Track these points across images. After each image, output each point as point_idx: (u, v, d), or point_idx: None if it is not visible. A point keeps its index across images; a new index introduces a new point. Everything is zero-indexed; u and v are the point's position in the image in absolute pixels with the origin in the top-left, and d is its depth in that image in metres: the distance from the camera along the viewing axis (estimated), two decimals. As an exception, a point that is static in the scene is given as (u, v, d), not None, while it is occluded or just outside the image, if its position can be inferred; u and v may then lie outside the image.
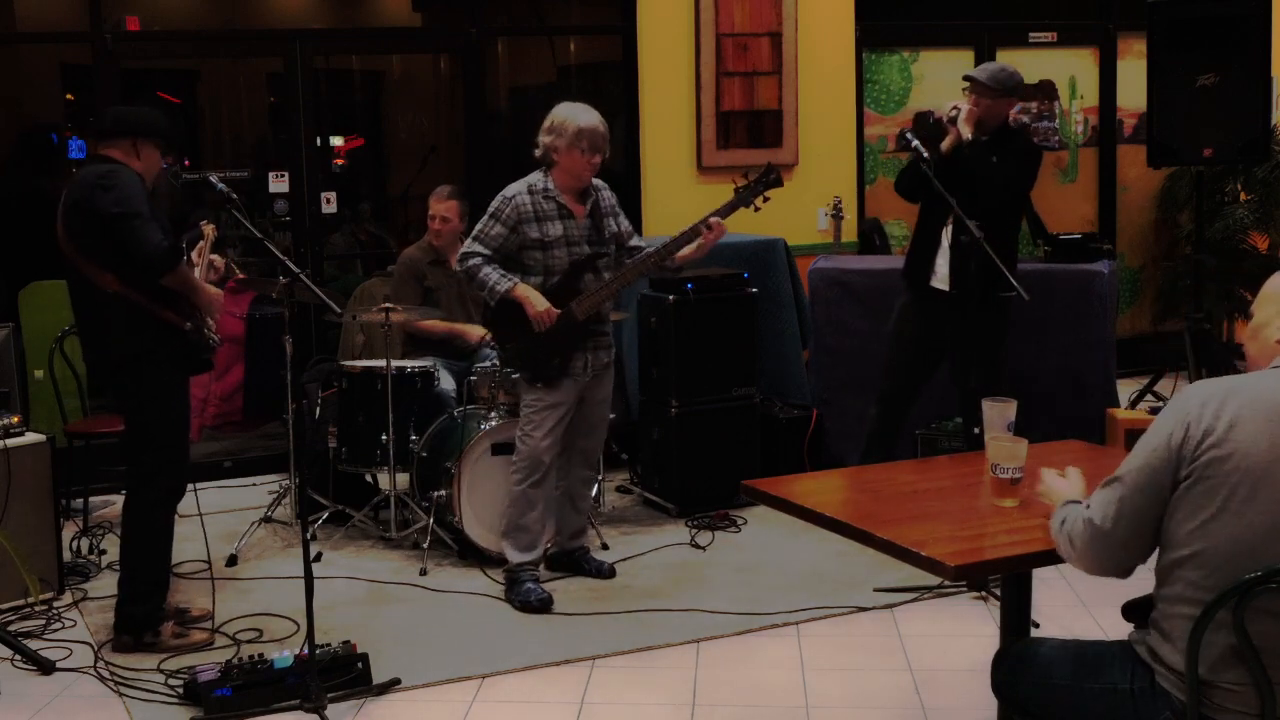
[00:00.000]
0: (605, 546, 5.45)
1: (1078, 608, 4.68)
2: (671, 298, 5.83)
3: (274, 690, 3.95)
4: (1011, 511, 3.01)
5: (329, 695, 3.96)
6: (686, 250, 4.80)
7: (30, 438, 4.90)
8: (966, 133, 4.98)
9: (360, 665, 4.09)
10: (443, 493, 5.26)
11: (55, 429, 5.42)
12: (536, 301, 4.68)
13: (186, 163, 7.79)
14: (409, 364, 5.63)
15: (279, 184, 6.95)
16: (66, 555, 5.15)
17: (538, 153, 4.81)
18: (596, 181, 4.89)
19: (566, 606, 4.78)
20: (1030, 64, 8.19)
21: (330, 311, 4.67)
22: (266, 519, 5.79)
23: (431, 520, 5.29)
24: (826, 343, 6.42)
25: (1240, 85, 6.74)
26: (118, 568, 4.49)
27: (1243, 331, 3.03)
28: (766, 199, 4.86)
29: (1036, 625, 4.00)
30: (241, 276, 5.15)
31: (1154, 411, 6.54)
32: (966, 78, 5.11)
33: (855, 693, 4.08)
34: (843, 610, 4.72)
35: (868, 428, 5.43)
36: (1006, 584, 3.28)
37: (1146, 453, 2.50)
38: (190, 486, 4.56)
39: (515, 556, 4.87)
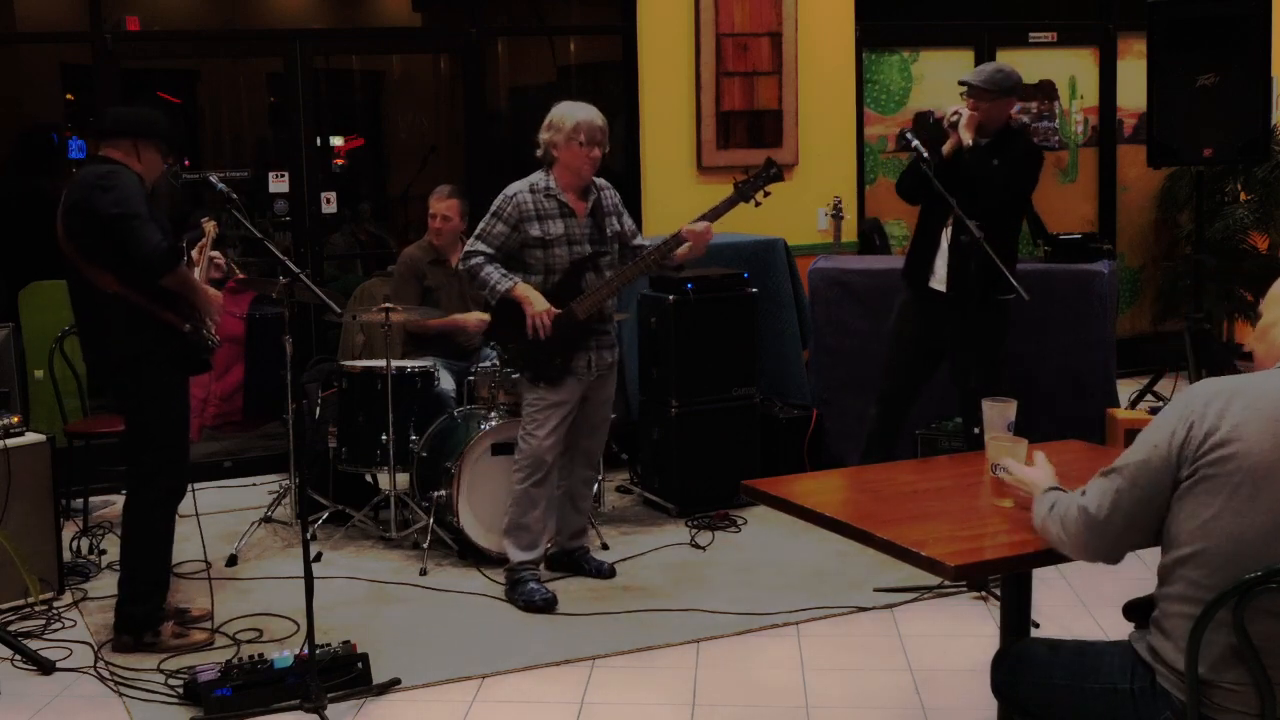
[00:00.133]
0: (605, 546, 5.45)
1: (1078, 608, 4.68)
2: (671, 298, 5.83)
3: (274, 690, 3.95)
4: (1011, 511, 3.01)
5: (329, 695, 3.96)
6: (684, 249, 4.80)
7: (30, 438, 4.90)
8: (967, 139, 4.97)
9: (360, 665, 4.09)
10: (443, 493, 5.26)
11: (55, 429, 5.42)
12: (536, 301, 4.68)
13: (186, 163, 7.78)
14: (409, 364, 5.63)
15: (279, 184, 6.95)
16: (66, 555, 5.15)
17: (539, 152, 4.83)
18: (599, 181, 4.90)
19: (567, 606, 4.78)
20: (1030, 64, 8.19)
21: (330, 311, 4.68)
22: (266, 519, 5.79)
23: (431, 520, 5.29)
24: (826, 343, 6.42)
25: (1240, 85, 6.74)
26: (118, 568, 4.49)
27: (1247, 334, 3.04)
28: (767, 193, 4.85)
29: (1036, 625, 4.00)
30: (241, 276, 5.14)
31: (1154, 411, 6.54)
32: (962, 83, 5.10)
33: (855, 693, 4.08)
34: (843, 610, 4.72)
35: (868, 428, 5.43)
36: (1006, 584, 3.27)
37: (1148, 449, 2.50)
38: (190, 486, 4.56)
39: (516, 555, 4.87)
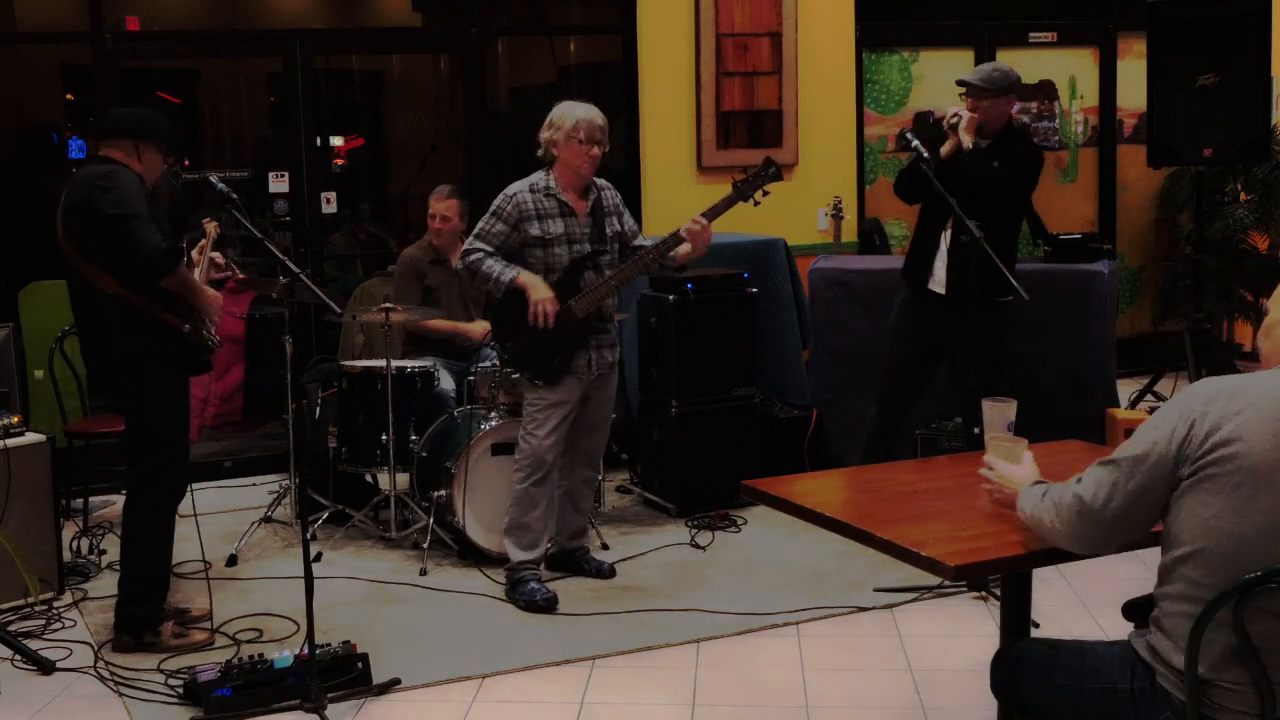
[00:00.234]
0: (605, 546, 5.45)
1: (1078, 608, 4.68)
2: (671, 298, 5.83)
3: (274, 690, 3.95)
4: (1011, 512, 3.01)
5: (329, 695, 3.96)
6: (684, 248, 4.80)
7: (30, 438, 4.90)
8: (967, 142, 4.96)
9: (360, 665, 4.09)
10: (443, 493, 5.26)
11: (55, 429, 5.42)
12: (539, 289, 4.68)
13: (186, 163, 7.78)
14: (409, 364, 5.63)
15: (279, 184, 6.95)
16: (66, 555, 5.15)
17: (539, 152, 4.83)
18: (600, 181, 4.90)
19: (567, 606, 4.78)
20: (1030, 64, 8.20)
21: (330, 311, 4.68)
22: (266, 519, 5.79)
23: (431, 520, 5.29)
24: (826, 343, 6.42)
25: (1240, 85, 6.74)
26: (118, 568, 4.49)
27: (1247, 334, 3.05)
28: (766, 193, 4.85)
29: (1036, 625, 4.00)
30: (241, 276, 5.14)
31: (1153, 411, 6.53)
32: (960, 82, 5.10)
33: (855, 693, 4.08)
34: (843, 610, 4.71)
35: (868, 428, 5.43)
36: (1006, 584, 3.27)
37: (1148, 444, 2.50)
38: (190, 486, 4.56)
39: (517, 555, 4.87)
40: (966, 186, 4.92)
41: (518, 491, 4.86)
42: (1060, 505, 2.63)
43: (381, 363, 5.43)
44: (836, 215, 6.96)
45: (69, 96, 8.14)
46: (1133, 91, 8.29)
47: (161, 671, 4.22)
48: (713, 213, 4.79)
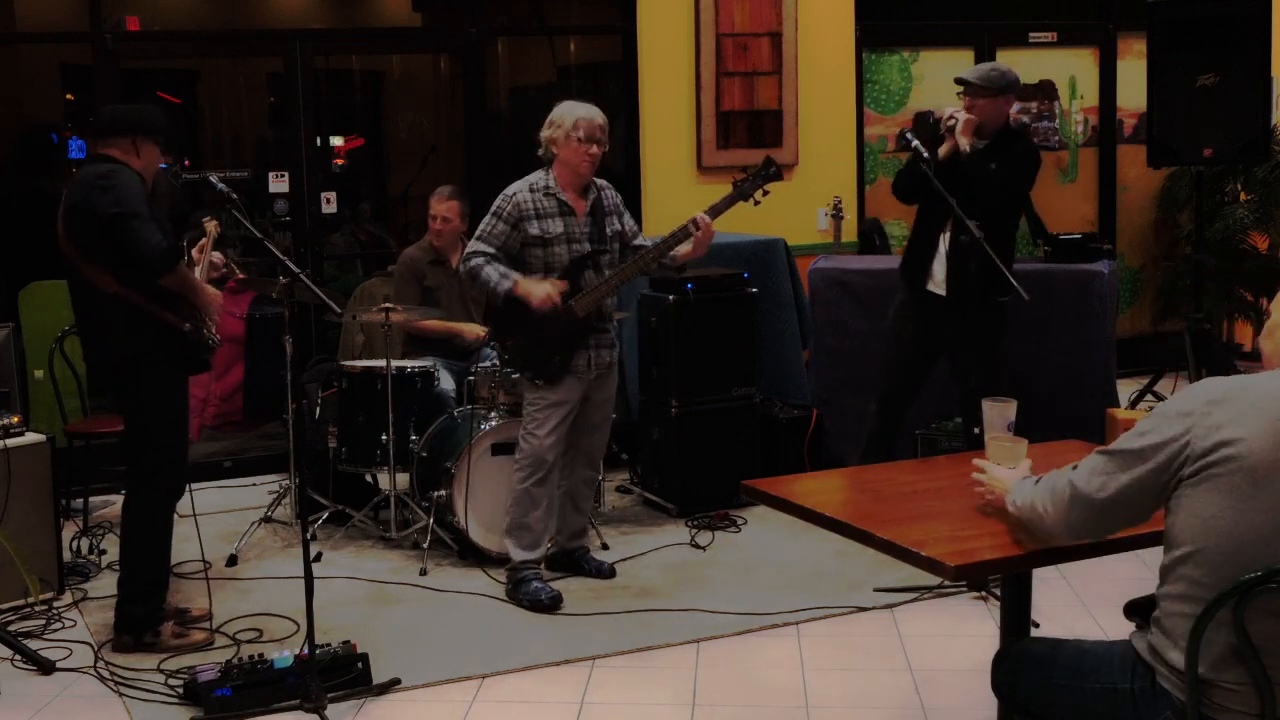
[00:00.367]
0: (605, 546, 5.45)
1: (1078, 608, 4.68)
2: (671, 298, 5.83)
3: (274, 690, 3.95)
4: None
5: (329, 695, 3.96)
6: (684, 248, 4.80)
7: (30, 438, 4.90)
8: (965, 144, 4.95)
9: (360, 665, 4.09)
10: (443, 493, 5.26)
11: (55, 429, 5.42)
12: (537, 291, 4.69)
13: (186, 163, 7.79)
14: (409, 364, 5.63)
15: (279, 184, 6.95)
16: (66, 555, 5.15)
17: (540, 151, 4.83)
18: (600, 181, 4.90)
19: (567, 606, 4.77)
20: (1030, 64, 8.20)
21: (330, 311, 4.68)
22: (266, 519, 5.79)
23: (431, 520, 5.29)
24: (826, 343, 6.42)
25: (1240, 85, 6.74)
26: (118, 568, 4.49)
27: (1247, 334, 3.05)
28: (766, 192, 4.85)
29: (1036, 625, 4.00)
30: (241, 276, 5.14)
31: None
32: (959, 80, 5.10)
33: (855, 693, 4.08)
34: (843, 610, 4.72)
35: (868, 428, 5.43)
36: (1006, 584, 3.27)
37: (1147, 440, 2.49)
38: (189, 486, 4.56)
39: (518, 554, 4.87)
40: (965, 187, 4.92)
41: (518, 491, 4.86)
42: (1055, 490, 2.64)
43: (381, 363, 5.43)
44: (836, 215, 6.96)
45: (69, 96, 8.14)
46: (1133, 91, 8.28)
47: (161, 671, 4.22)
48: (714, 211, 4.79)
